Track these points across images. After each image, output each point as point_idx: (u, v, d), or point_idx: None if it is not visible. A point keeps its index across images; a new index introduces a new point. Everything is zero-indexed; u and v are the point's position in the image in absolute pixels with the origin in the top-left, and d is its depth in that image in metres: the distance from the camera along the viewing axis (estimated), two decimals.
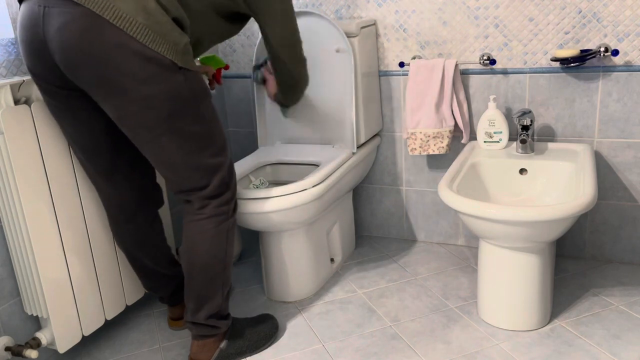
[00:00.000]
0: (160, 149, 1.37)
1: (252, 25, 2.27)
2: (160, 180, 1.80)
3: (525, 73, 1.93)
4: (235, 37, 2.33)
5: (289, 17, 1.56)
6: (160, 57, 1.28)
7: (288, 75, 1.67)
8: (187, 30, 1.38)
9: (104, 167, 1.50)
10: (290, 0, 1.56)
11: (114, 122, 1.43)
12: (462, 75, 2.01)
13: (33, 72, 1.35)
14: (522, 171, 1.80)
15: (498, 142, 1.89)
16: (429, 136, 1.99)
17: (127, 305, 1.79)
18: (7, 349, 1.49)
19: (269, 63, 1.79)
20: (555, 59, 1.80)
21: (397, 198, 2.27)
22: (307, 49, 1.97)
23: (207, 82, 1.84)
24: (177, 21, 1.34)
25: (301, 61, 1.66)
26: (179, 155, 1.38)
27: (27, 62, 1.34)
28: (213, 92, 1.89)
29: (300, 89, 1.75)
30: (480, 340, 1.62)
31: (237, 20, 1.56)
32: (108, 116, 1.43)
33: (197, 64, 1.87)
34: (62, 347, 1.55)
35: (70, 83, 1.34)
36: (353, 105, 1.94)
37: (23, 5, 1.30)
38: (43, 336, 1.55)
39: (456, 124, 2.01)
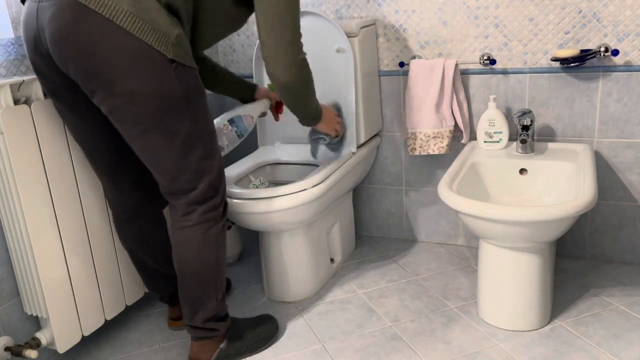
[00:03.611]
0: (146, 146, 1.32)
1: (253, 26, 2.27)
2: None
3: (525, 73, 1.93)
4: (235, 37, 2.33)
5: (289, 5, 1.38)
6: (149, 48, 1.22)
7: (270, 58, 1.42)
8: (183, 19, 1.30)
9: (109, 167, 1.49)
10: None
11: None
12: (462, 75, 2.00)
13: (37, 70, 1.33)
14: (522, 171, 1.80)
15: (498, 142, 1.89)
16: (429, 136, 1.99)
17: (127, 305, 1.78)
18: (7, 349, 1.49)
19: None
20: (555, 59, 1.80)
21: (397, 198, 2.26)
22: (307, 48, 1.97)
23: (267, 108, 1.80)
24: (170, 8, 1.26)
25: (287, 51, 1.41)
26: (166, 154, 1.33)
27: (30, 60, 1.33)
28: (276, 122, 1.91)
29: (300, 90, 1.50)
30: (480, 340, 1.62)
31: (243, 6, 1.43)
32: None
33: (266, 87, 1.83)
34: (62, 347, 1.56)
35: (70, 79, 1.31)
36: (353, 105, 1.94)
37: (25, 4, 1.29)
38: (43, 336, 1.55)
39: (456, 124, 2.01)
